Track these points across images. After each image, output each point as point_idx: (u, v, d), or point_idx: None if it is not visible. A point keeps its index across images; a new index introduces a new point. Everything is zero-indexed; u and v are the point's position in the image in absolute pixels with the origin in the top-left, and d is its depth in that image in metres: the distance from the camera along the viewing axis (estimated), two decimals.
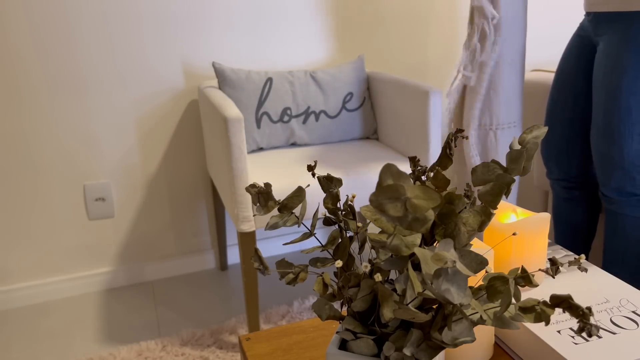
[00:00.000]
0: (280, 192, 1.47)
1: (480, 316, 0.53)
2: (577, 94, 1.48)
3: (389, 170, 0.46)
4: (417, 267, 0.56)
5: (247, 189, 0.61)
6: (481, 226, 0.57)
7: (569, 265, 0.54)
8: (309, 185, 0.67)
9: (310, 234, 0.63)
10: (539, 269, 0.54)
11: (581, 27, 1.46)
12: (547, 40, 2.36)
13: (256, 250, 0.58)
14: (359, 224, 0.62)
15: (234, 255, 2.10)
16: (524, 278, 0.54)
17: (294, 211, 0.71)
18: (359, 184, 1.54)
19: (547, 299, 0.62)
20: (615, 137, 1.33)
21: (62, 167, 1.81)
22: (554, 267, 0.54)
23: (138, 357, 1.54)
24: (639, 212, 1.39)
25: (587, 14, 1.41)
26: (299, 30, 1.95)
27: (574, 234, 1.63)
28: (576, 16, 2.35)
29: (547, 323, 0.52)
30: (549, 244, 0.96)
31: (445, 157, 0.63)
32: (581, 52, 1.45)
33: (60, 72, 1.73)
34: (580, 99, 1.47)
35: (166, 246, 2.00)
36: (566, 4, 2.34)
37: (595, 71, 1.37)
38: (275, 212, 1.47)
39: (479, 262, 0.52)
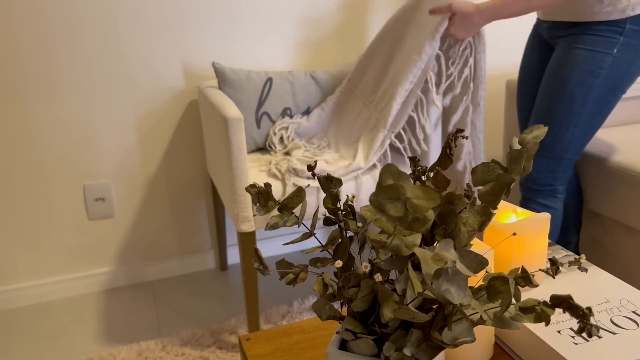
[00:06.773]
0: (280, 192, 1.47)
1: (480, 316, 0.53)
2: (537, 90, 1.55)
3: (389, 170, 0.46)
4: (417, 267, 0.56)
5: (247, 189, 0.61)
6: (481, 226, 0.57)
7: (569, 266, 0.54)
8: (308, 185, 0.67)
9: (310, 234, 0.63)
10: (539, 269, 0.54)
11: (536, 28, 1.55)
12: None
13: (256, 250, 0.58)
14: (359, 224, 0.62)
15: (234, 255, 2.10)
16: (524, 278, 0.54)
17: (294, 211, 0.71)
18: (359, 184, 1.54)
19: (547, 299, 0.62)
20: (554, 124, 1.39)
21: (62, 167, 1.81)
22: (554, 267, 0.54)
23: (138, 357, 1.54)
24: (551, 201, 1.45)
25: (544, 21, 1.48)
26: (299, 30, 1.95)
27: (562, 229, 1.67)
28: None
29: (547, 323, 0.52)
30: (549, 244, 0.96)
31: (445, 157, 0.63)
32: (539, 49, 1.53)
33: (60, 72, 1.73)
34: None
35: (166, 246, 2.00)
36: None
37: (550, 63, 1.44)
38: (275, 212, 1.47)
39: (479, 262, 0.52)
